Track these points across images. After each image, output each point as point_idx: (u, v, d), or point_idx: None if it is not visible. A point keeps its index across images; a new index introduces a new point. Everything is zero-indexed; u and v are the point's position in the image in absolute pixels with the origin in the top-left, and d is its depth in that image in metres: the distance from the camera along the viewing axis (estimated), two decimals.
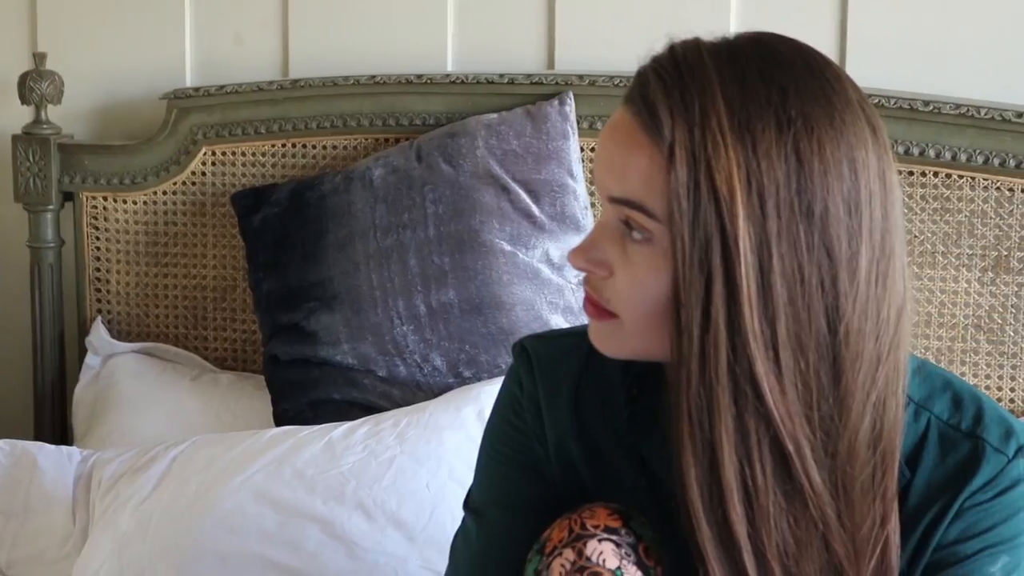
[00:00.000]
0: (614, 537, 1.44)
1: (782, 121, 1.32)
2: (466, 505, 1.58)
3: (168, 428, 2.68)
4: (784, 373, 1.33)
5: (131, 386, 2.81)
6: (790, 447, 1.34)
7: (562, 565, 1.43)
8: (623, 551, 1.43)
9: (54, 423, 2.95)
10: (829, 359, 1.35)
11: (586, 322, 1.47)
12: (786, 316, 1.32)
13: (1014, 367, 2.59)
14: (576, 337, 1.58)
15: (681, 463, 1.36)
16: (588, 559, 1.42)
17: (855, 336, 1.35)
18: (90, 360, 2.89)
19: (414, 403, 2.49)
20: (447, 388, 2.53)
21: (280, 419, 2.61)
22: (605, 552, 1.43)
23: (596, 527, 1.44)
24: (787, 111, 1.32)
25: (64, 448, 2.61)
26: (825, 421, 1.35)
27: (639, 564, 1.43)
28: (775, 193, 1.32)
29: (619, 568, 1.42)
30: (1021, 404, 2.60)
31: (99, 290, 2.91)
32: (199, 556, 2.24)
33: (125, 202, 2.88)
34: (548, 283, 2.59)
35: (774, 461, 1.35)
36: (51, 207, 2.89)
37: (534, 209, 2.60)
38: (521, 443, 1.55)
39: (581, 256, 1.40)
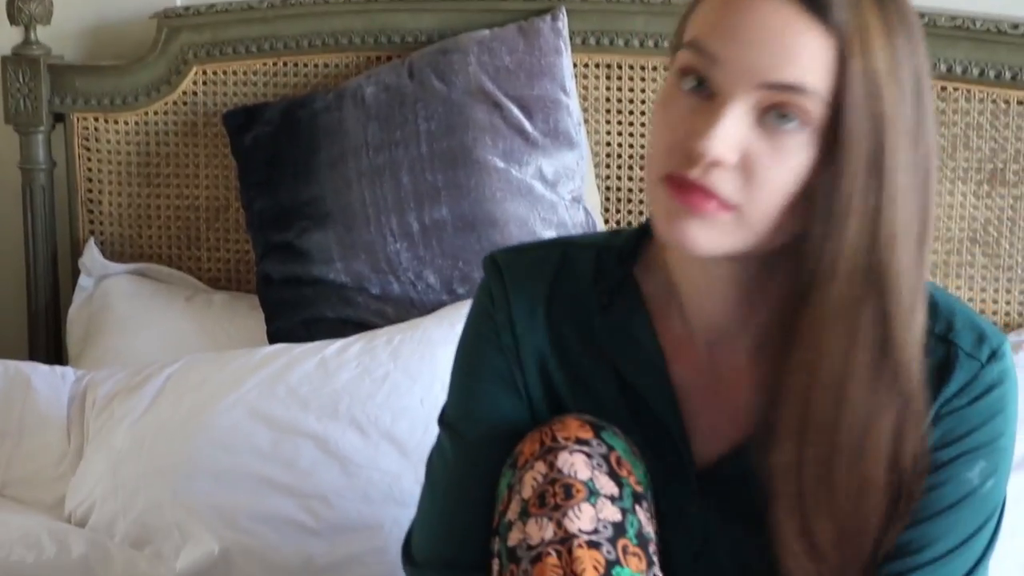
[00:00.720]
0: (585, 448, 1.42)
1: (902, 8, 1.37)
2: (441, 421, 1.56)
3: (162, 348, 2.67)
4: (904, 257, 1.36)
5: (125, 307, 2.80)
6: (897, 334, 1.37)
7: (534, 478, 1.42)
8: (595, 462, 1.42)
9: (48, 345, 2.94)
10: (923, 249, 1.39)
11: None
12: (916, 202, 1.37)
13: (1009, 280, 2.58)
14: (546, 249, 1.57)
15: (794, 359, 1.38)
16: (560, 471, 1.41)
17: (932, 227, 1.41)
18: (83, 281, 2.87)
19: (408, 320, 2.48)
20: (441, 305, 2.52)
21: (274, 338, 2.60)
22: (577, 463, 1.41)
23: (567, 439, 1.43)
24: (897, 3, 1.37)
25: (58, 368, 2.60)
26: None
27: (611, 474, 1.42)
28: (913, 78, 1.36)
29: (591, 479, 1.41)
30: (1016, 317, 2.59)
31: (91, 211, 2.89)
32: (193, 474, 2.24)
33: (116, 123, 2.86)
34: (541, 199, 2.57)
35: (876, 347, 1.37)
36: (42, 128, 2.87)
37: (527, 125, 2.58)
38: (494, 357, 1.53)
39: (719, 144, 1.33)
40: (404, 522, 2.10)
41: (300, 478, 2.21)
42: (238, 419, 2.28)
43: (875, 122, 1.33)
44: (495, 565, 1.44)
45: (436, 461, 1.56)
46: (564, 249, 1.56)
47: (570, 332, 1.52)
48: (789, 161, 1.34)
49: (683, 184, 1.35)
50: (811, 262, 1.36)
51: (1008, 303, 2.59)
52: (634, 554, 1.40)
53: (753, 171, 1.34)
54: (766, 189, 1.34)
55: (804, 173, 1.35)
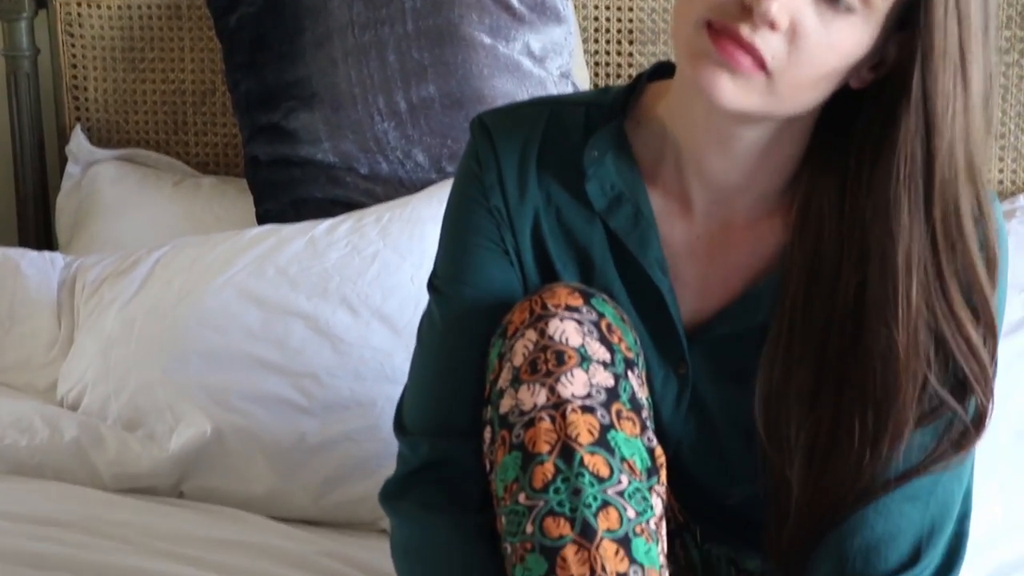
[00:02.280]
0: (576, 315, 1.38)
1: None
2: (431, 286, 1.51)
3: (151, 233, 2.62)
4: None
5: (113, 193, 2.74)
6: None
7: (525, 346, 1.37)
8: (585, 328, 1.37)
9: (38, 233, 2.88)
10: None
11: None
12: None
13: (1002, 148, 2.52)
14: (534, 108, 1.52)
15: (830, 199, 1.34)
16: (551, 338, 1.36)
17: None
18: (71, 168, 2.80)
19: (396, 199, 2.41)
20: (430, 183, 2.46)
21: (263, 219, 2.55)
22: (567, 330, 1.37)
23: (557, 306, 1.38)
24: None
25: (47, 254, 2.56)
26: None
27: (602, 341, 1.38)
28: None
29: (583, 345, 1.36)
30: (1010, 186, 2.53)
31: (77, 98, 2.81)
32: (184, 355, 2.20)
33: (99, 7, 2.76)
34: (529, 75, 2.51)
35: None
36: (24, 15, 2.77)
37: (513, 0, 2.49)
38: (482, 219, 1.48)
39: (778, 6, 1.27)
40: (396, 399, 2.08)
41: (291, 357, 2.17)
42: (228, 300, 2.24)
43: (958, 17, 1.28)
44: (487, 433, 1.40)
45: (426, 327, 1.51)
46: (553, 107, 1.51)
47: (560, 190, 1.48)
48: (842, 43, 1.30)
49: (727, 35, 1.29)
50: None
51: (1001, 171, 2.53)
52: (628, 418, 1.36)
53: (801, 43, 1.29)
54: (809, 64, 1.30)
55: (852, 59, 1.31)
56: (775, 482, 1.40)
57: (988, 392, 1.35)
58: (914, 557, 1.35)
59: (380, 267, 2.22)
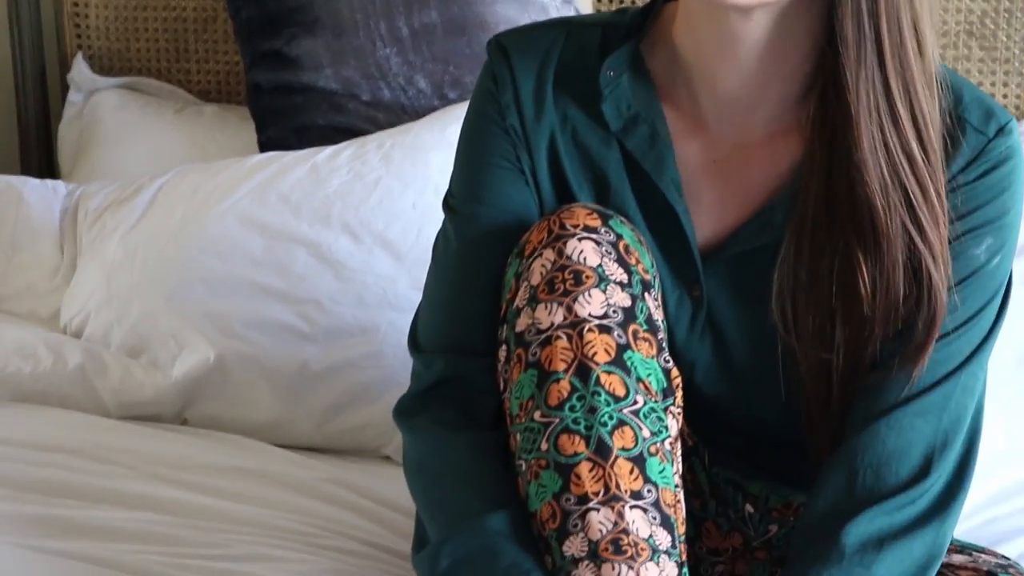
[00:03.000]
0: (594, 236, 1.35)
1: None
2: (446, 205, 1.48)
3: (152, 161, 2.57)
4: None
5: (115, 121, 2.68)
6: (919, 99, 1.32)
7: (543, 266, 1.34)
8: (603, 249, 1.34)
9: (40, 161, 2.84)
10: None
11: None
12: None
13: (1007, 73, 2.48)
14: (551, 29, 1.48)
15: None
16: (569, 258, 1.33)
17: None
18: (73, 96, 2.75)
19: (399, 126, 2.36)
20: (432, 110, 2.41)
21: (265, 147, 2.50)
22: (586, 250, 1.34)
23: (575, 226, 1.35)
24: None
25: (49, 182, 2.52)
26: None
27: (620, 262, 1.34)
28: None
29: (600, 266, 1.33)
30: (1013, 110, 2.49)
31: (78, 26, 2.74)
32: (187, 282, 2.17)
33: None
34: (532, 1, 2.46)
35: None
36: None
37: None
38: (499, 139, 1.45)
39: None
40: (400, 326, 2.07)
41: (293, 284, 2.13)
42: (230, 227, 2.20)
43: None
44: (502, 351, 1.37)
45: (441, 246, 1.48)
46: (570, 28, 1.47)
47: (577, 111, 1.45)
48: None
49: None
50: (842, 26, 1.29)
51: (1005, 96, 2.49)
52: (644, 339, 1.33)
53: None
54: None
55: None
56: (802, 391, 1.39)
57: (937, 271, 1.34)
58: (924, 470, 1.33)
59: (382, 193, 2.18)
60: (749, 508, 1.51)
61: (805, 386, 1.38)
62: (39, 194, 2.46)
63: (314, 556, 1.75)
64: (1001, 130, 1.37)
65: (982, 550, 1.45)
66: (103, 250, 2.28)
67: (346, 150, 2.26)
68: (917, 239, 1.31)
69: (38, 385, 2.17)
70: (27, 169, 2.79)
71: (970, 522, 1.82)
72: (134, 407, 2.13)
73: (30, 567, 1.67)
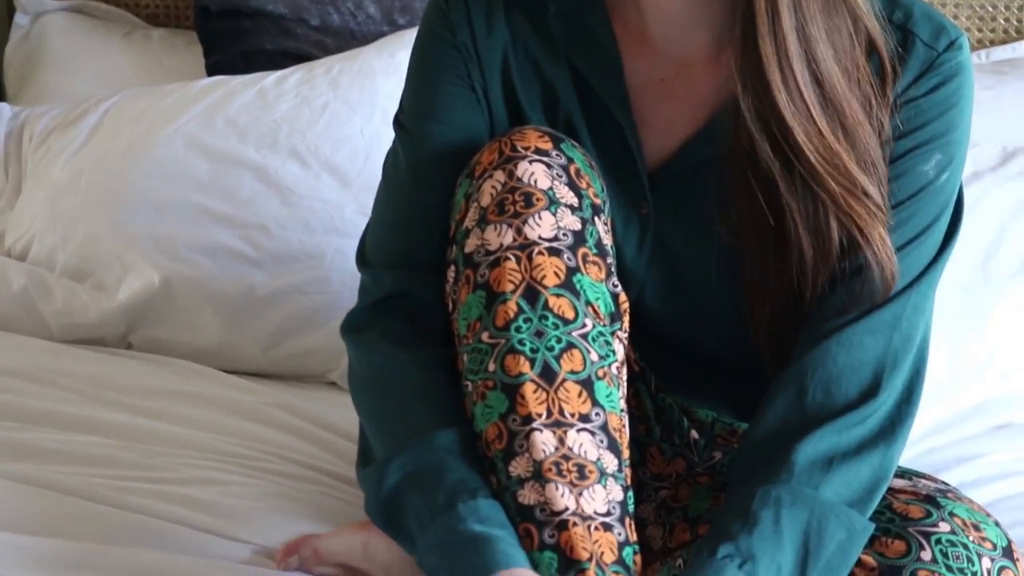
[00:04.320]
0: (545, 159, 1.32)
1: None
2: (396, 122, 1.45)
3: (100, 85, 2.52)
4: None
5: (62, 44, 2.63)
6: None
7: (493, 187, 1.31)
8: (554, 172, 1.31)
9: None
10: None
11: None
12: None
13: None
14: None
15: None
16: (520, 180, 1.30)
17: None
18: (19, 19, 2.68)
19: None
20: (381, 36, 2.38)
21: (212, 71, 2.45)
22: (536, 173, 1.31)
23: (526, 149, 1.32)
24: None
25: None
26: None
27: (570, 185, 1.32)
28: None
29: (551, 189, 1.30)
30: (1015, 35, 2.46)
31: None
32: (133, 205, 2.13)
33: None
34: None
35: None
36: None
37: None
38: (450, 56, 1.41)
39: None
40: (346, 252, 2.03)
41: (240, 208, 2.10)
42: (176, 150, 2.15)
43: None
44: (451, 272, 1.34)
45: (391, 163, 1.45)
46: None
47: (527, 27, 1.41)
48: None
49: None
50: None
51: (1007, 20, 2.45)
52: (593, 263, 1.30)
53: None
54: None
55: None
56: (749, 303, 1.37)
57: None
58: (874, 388, 1.31)
59: (330, 118, 2.14)
60: (694, 434, 1.49)
61: (751, 303, 1.36)
62: None
63: (258, 480, 1.72)
64: (951, 45, 1.34)
65: (922, 475, 1.44)
66: (48, 173, 2.23)
67: (294, 75, 2.22)
68: (838, 170, 1.29)
69: None
70: None
71: (911, 451, 1.81)
72: (78, 330, 2.10)
73: None
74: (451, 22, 1.40)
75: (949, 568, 1.27)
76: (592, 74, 1.38)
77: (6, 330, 2.10)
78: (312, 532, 1.59)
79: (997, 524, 1.32)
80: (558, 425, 1.24)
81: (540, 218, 1.28)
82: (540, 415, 1.24)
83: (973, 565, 1.27)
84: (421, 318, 1.37)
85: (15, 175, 2.34)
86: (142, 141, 2.16)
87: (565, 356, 1.25)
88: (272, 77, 2.22)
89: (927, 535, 1.28)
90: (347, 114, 2.14)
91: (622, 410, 1.29)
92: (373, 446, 1.36)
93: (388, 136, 1.48)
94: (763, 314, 1.36)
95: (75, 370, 1.99)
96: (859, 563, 1.28)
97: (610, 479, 1.25)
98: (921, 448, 1.84)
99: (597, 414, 1.26)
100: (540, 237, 1.28)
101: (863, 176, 1.29)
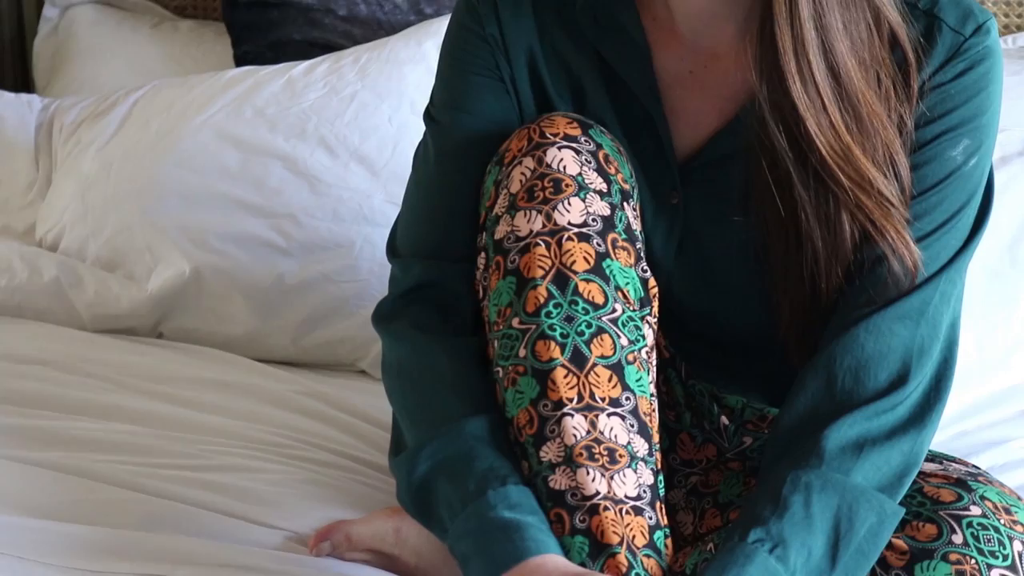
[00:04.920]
0: (574, 145, 1.32)
1: None
2: (427, 114, 1.45)
3: (128, 77, 2.53)
4: None
5: (90, 36, 2.63)
6: None
7: (522, 173, 1.31)
8: (583, 158, 1.32)
9: (16, 78, 2.78)
10: None
11: None
12: None
13: None
14: None
15: None
16: (549, 166, 1.30)
17: None
18: (48, 11, 2.69)
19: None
20: (408, 25, 2.37)
21: (240, 62, 2.46)
22: (565, 159, 1.31)
23: (555, 135, 1.32)
24: None
25: (24, 96, 2.47)
26: None
27: (599, 171, 1.32)
28: None
29: (580, 174, 1.30)
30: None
31: None
32: (162, 196, 2.13)
33: None
34: None
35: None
36: None
37: None
38: (478, 48, 1.41)
39: None
40: (375, 240, 2.04)
41: (269, 198, 2.10)
42: (206, 141, 2.16)
43: None
44: (481, 259, 1.34)
45: (422, 154, 1.45)
46: None
47: (555, 20, 1.41)
48: None
49: None
50: None
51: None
52: (623, 248, 1.30)
53: None
54: None
55: None
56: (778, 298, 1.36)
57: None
58: (903, 376, 1.30)
59: (358, 108, 2.14)
60: (724, 420, 1.49)
61: (774, 293, 1.36)
62: (14, 109, 2.42)
63: (290, 467, 1.73)
64: (978, 29, 1.33)
65: (953, 459, 1.43)
66: (78, 164, 2.24)
67: (321, 65, 2.22)
68: (849, 164, 1.29)
69: (13, 298, 2.14)
70: (2, 84, 2.73)
71: (942, 435, 1.81)
72: (109, 320, 2.10)
73: (4, 475, 1.65)
74: (479, 15, 1.41)
75: (980, 551, 1.27)
76: (621, 66, 1.38)
77: (38, 320, 2.12)
78: (344, 518, 1.59)
79: None
80: (589, 409, 1.24)
81: (569, 204, 1.29)
82: (571, 400, 1.25)
83: (1004, 548, 1.27)
84: (450, 307, 1.38)
85: (45, 166, 2.35)
86: (171, 132, 2.17)
87: (595, 341, 1.26)
88: (300, 67, 2.22)
89: (958, 518, 1.28)
90: (375, 103, 2.14)
91: (652, 395, 1.29)
92: (405, 435, 1.37)
93: (416, 125, 1.48)
94: (786, 304, 1.35)
95: (107, 359, 2.00)
96: (890, 546, 1.28)
97: (640, 463, 1.25)
98: (951, 432, 1.84)
99: (627, 398, 1.26)
100: (570, 223, 1.28)
101: (876, 171, 1.29)
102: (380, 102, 2.14)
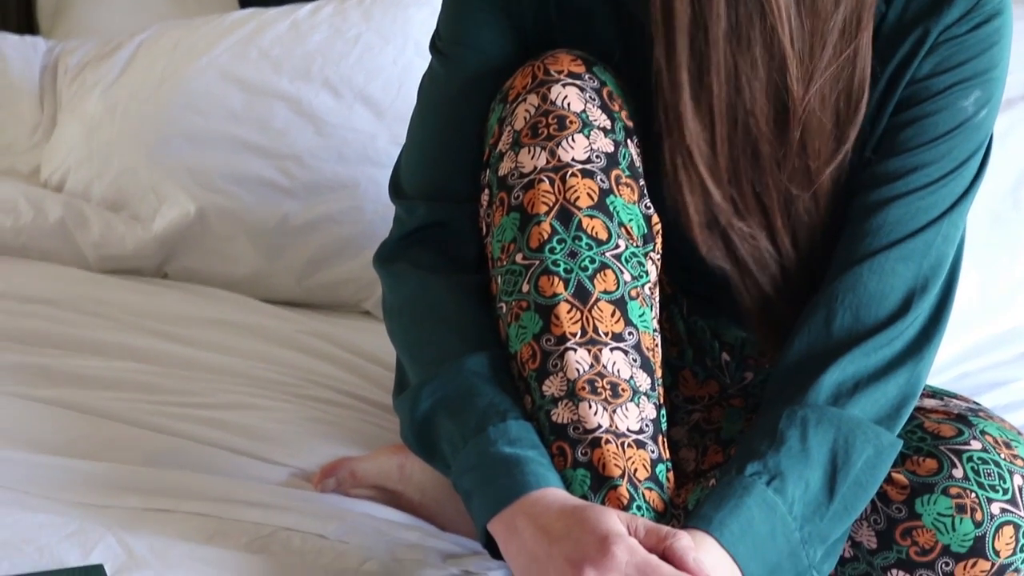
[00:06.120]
0: (578, 82, 1.31)
1: None
2: (433, 47, 1.43)
3: (133, 19, 2.54)
4: None
5: None
6: None
7: (526, 110, 1.31)
8: (587, 95, 1.31)
9: (20, 20, 2.76)
10: None
11: None
12: None
13: None
14: None
15: None
16: (553, 103, 1.30)
17: None
18: None
19: None
20: None
21: (245, 3, 2.46)
22: (570, 96, 1.30)
23: (559, 72, 1.32)
24: None
25: (28, 38, 2.47)
26: None
27: (603, 108, 1.31)
28: None
29: (584, 111, 1.30)
30: None
31: None
32: (167, 137, 2.13)
33: None
34: None
35: None
36: None
37: None
38: None
39: None
40: (380, 181, 2.04)
41: (274, 139, 2.10)
42: (210, 82, 2.15)
43: None
44: (484, 196, 1.33)
45: (426, 89, 1.44)
46: None
47: None
48: None
49: None
50: None
51: None
52: (626, 185, 1.30)
53: None
54: None
55: None
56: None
57: None
58: (902, 311, 1.31)
59: (363, 49, 2.14)
60: (725, 356, 1.49)
61: (782, 217, 1.36)
62: (18, 51, 2.41)
63: (295, 405, 1.73)
64: None
65: (954, 395, 1.44)
66: (83, 106, 2.23)
67: (326, 6, 2.21)
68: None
69: (19, 239, 2.14)
70: (6, 26, 2.71)
71: (943, 376, 1.82)
72: (115, 260, 2.11)
73: (11, 412, 1.66)
74: None
75: (981, 485, 1.28)
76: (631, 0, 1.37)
77: (44, 260, 2.12)
78: (349, 455, 1.60)
79: None
80: (592, 344, 1.25)
81: (573, 140, 1.28)
82: (574, 334, 1.25)
83: (1005, 482, 1.28)
84: (453, 246, 1.38)
85: (50, 109, 2.34)
86: (176, 73, 2.16)
87: (599, 276, 1.26)
88: (305, 9, 2.21)
89: (959, 453, 1.29)
90: (380, 45, 2.14)
91: (655, 330, 1.30)
92: (407, 374, 1.37)
93: (421, 66, 1.47)
94: (786, 231, 1.35)
95: (113, 299, 2.00)
96: (891, 481, 1.29)
97: (643, 397, 1.25)
98: (953, 374, 1.85)
99: (630, 333, 1.26)
100: (573, 159, 1.28)
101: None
102: (385, 44, 2.14)
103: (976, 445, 1.29)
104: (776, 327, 1.39)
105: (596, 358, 1.25)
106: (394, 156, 1.53)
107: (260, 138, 2.09)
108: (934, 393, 1.43)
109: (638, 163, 1.32)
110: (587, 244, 1.26)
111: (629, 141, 1.32)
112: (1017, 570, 1.31)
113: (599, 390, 1.24)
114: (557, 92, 1.30)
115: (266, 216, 2.07)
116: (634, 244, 1.29)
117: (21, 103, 2.36)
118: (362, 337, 1.95)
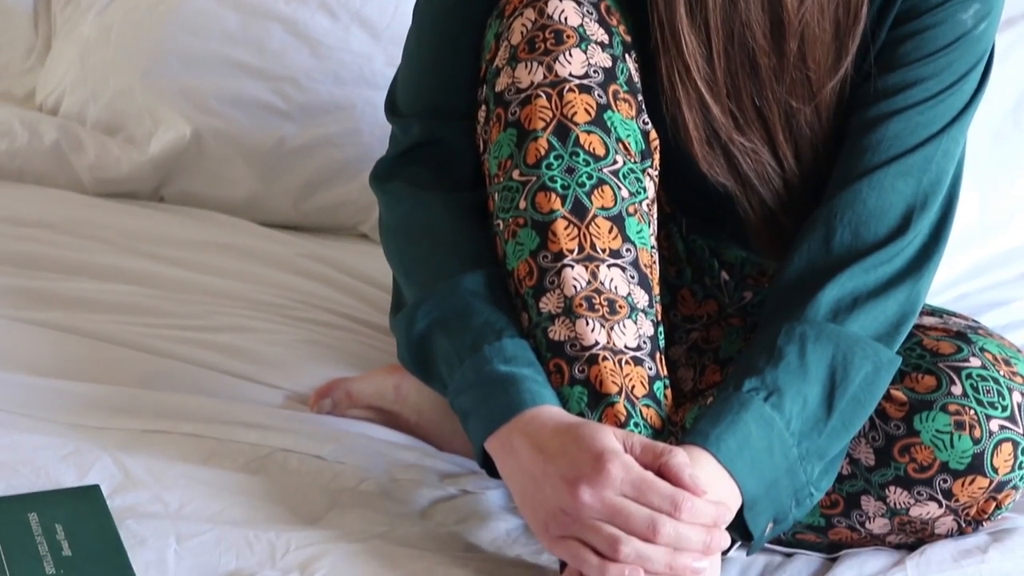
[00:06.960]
0: None
1: None
2: None
3: None
4: None
5: None
6: None
7: (523, 25, 1.29)
8: (585, 9, 1.29)
9: None
10: None
11: None
12: None
13: None
14: None
15: None
16: (550, 17, 1.28)
17: None
18: None
19: None
20: None
21: None
22: (567, 10, 1.29)
23: None
24: None
25: None
26: None
27: (601, 23, 1.30)
28: None
29: (581, 26, 1.28)
30: None
31: None
32: (162, 58, 2.11)
33: None
34: None
35: None
36: None
37: None
38: None
39: None
40: (376, 103, 2.02)
41: (270, 60, 2.08)
42: (206, 3, 2.12)
43: None
44: (481, 112, 1.32)
45: (422, 5, 1.42)
46: None
47: None
48: None
49: None
50: None
51: None
52: (624, 100, 1.29)
53: None
54: None
55: None
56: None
57: None
58: (903, 228, 1.30)
59: None
60: (724, 275, 1.48)
61: (780, 138, 1.35)
62: None
63: (290, 327, 1.73)
64: None
65: (953, 313, 1.43)
66: (78, 29, 2.21)
67: None
68: None
69: (14, 162, 2.13)
70: None
71: (943, 296, 1.81)
72: (110, 184, 2.09)
73: (6, 335, 1.65)
74: None
75: (980, 402, 1.27)
76: None
77: (39, 184, 2.11)
78: (344, 376, 1.60)
79: None
80: (589, 260, 1.24)
81: (571, 55, 1.27)
82: (571, 251, 1.24)
83: (1004, 399, 1.27)
84: (449, 164, 1.36)
85: (44, 32, 2.32)
86: None
87: (596, 192, 1.25)
88: None
89: (957, 370, 1.28)
90: None
91: (652, 247, 1.29)
92: (403, 294, 1.36)
93: None
94: (790, 136, 1.35)
95: (108, 222, 1.99)
96: (889, 398, 1.29)
97: (640, 314, 1.25)
98: (953, 294, 1.84)
99: (628, 250, 1.25)
100: (571, 74, 1.26)
101: None
102: None
103: (975, 362, 1.29)
104: (781, 242, 1.38)
105: (593, 274, 1.24)
106: (390, 78, 1.51)
107: (256, 60, 2.07)
108: (933, 311, 1.43)
109: (636, 78, 1.31)
110: (584, 160, 1.25)
111: (627, 56, 1.30)
112: (1015, 487, 1.31)
113: (596, 307, 1.23)
114: (554, 6, 1.28)
115: (262, 139, 2.05)
116: (632, 160, 1.27)
117: (16, 26, 2.33)
118: (359, 260, 1.94)
